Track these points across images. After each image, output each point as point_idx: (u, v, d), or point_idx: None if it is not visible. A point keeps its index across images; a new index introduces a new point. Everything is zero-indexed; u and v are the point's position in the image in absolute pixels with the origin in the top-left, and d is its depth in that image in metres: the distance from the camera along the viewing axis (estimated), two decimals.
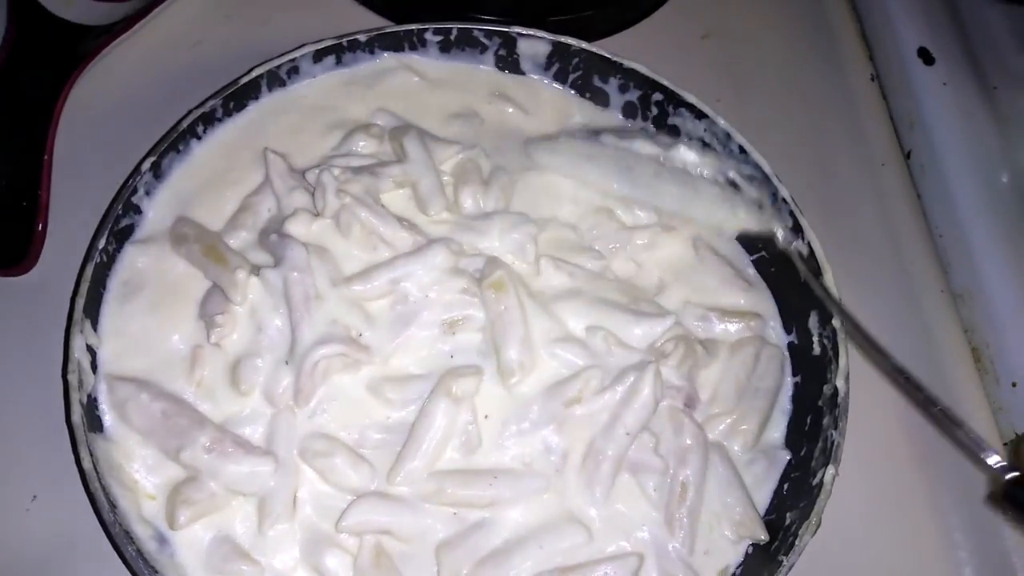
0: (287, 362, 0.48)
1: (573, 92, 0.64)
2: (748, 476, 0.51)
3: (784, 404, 0.54)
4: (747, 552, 0.50)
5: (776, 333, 0.57)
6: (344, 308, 0.50)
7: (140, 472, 0.47)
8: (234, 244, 0.53)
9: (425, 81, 0.62)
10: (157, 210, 0.54)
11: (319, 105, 0.60)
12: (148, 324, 0.51)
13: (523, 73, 0.64)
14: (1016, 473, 0.44)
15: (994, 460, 0.45)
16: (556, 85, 0.64)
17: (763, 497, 0.51)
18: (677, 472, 0.49)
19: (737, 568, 0.49)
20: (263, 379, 0.49)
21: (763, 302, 0.58)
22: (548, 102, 0.64)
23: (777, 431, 0.54)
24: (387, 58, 0.62)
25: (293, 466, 0.47)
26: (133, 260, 0.52)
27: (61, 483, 0.52)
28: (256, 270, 0.50)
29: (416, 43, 0.62)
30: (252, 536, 0.46)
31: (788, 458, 0.52)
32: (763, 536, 0.48)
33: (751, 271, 0.59)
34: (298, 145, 0.58)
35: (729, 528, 0.49)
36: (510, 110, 0.62)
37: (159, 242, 0.53)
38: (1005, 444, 0.61)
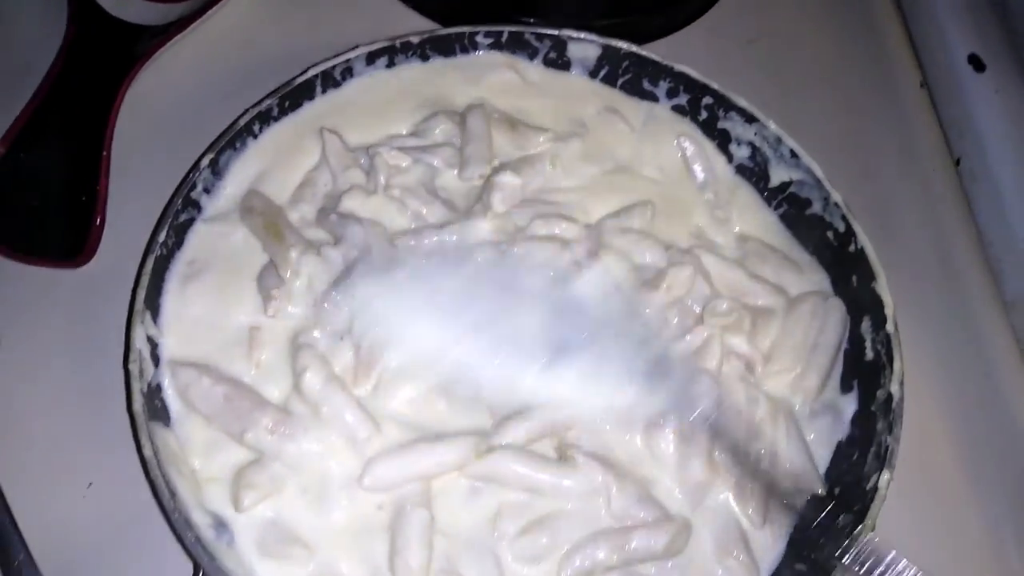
0: (342, 338, 0.49)
1: (623, 95, 0.64)
2: (811, 431, 0.52)
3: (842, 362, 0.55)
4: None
5: None
6: None
7: (201, 458, 0.48)
8: (295, 217, 0.54)
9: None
10: (230, 186, 0.56)
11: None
12: (209, 305, 0.52)
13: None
14: None
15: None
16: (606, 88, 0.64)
17: (826, 453, 0.52)
18: (749, 444, 0.49)
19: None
20: (320, 357, 0.49)
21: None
22: None
23: (834, 390, 0.54)
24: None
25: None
26: (201, 239, 0.54)
27: (116, 471, 0.53)
28: (314, 248, 0.52)
29: (468, 46, 0.62)
30: (307, 518, 0.46)
31: (855, 408, 0.53)
32: (821, 490, 0.50)
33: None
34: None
35: (788, 480, 0.50)
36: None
37: (226, 219, 0.55)
38: None
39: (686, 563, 0.48)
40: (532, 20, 0.68)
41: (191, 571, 0.46)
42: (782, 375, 0.53)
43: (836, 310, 0.55)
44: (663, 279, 0.54)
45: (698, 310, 0.54)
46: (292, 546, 0.45)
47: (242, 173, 0.56)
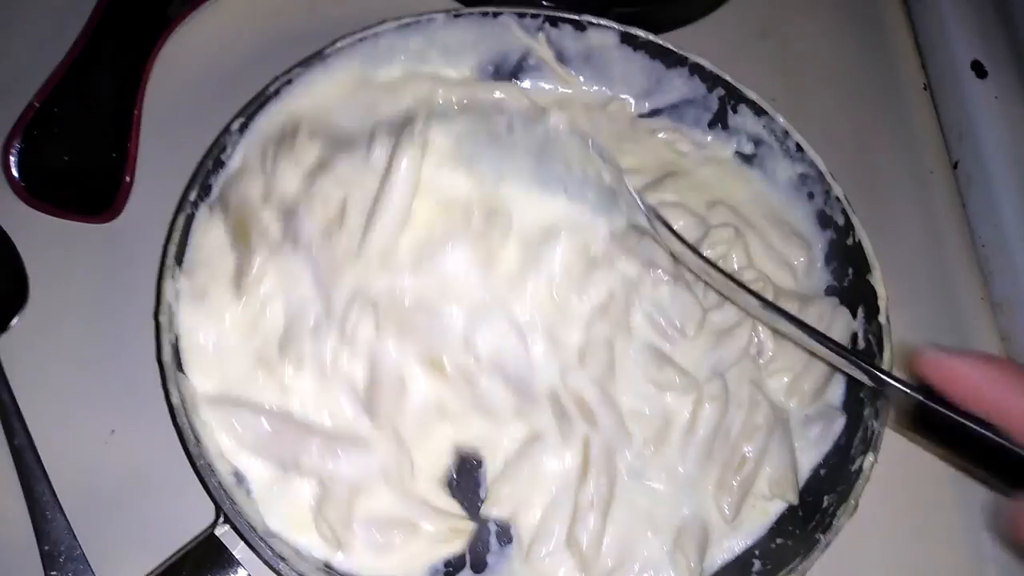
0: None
1: None
2: (802, 439, 0.54)
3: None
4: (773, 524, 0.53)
5: None
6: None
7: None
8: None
9: None
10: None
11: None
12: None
13: None
14: (921, 393, 0.41)
15: (896, 386, 0.43)
16: None
17: (810, 460, 0.54)
18: (740, 443, 0.51)
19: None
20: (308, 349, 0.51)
21: None
22: None
23: (837, 391, 0.56)
24: None
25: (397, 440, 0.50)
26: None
27: (138, 419, 0.55)
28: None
29: None
30: None
31: (844, 423, 0.55)
32: (794, 499, 0.51)
33: None
34: None
35: (766, 484, 0.52)
36: None
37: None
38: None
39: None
40: (551, 4, 0.70)
41: (211, 516, 0.49)
42: (781, 374, 0.55)
43: (842, 317, 0.57)
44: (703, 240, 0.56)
45: None
46: None
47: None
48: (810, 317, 0.56)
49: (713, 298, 0.56)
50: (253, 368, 0.51)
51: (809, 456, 0.54)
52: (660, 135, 0.65)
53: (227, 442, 0.49)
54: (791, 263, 0.60)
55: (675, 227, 0.53)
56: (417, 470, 0.50)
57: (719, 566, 0.51)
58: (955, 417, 0.40)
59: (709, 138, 0.65)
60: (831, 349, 0.46)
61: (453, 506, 0.51)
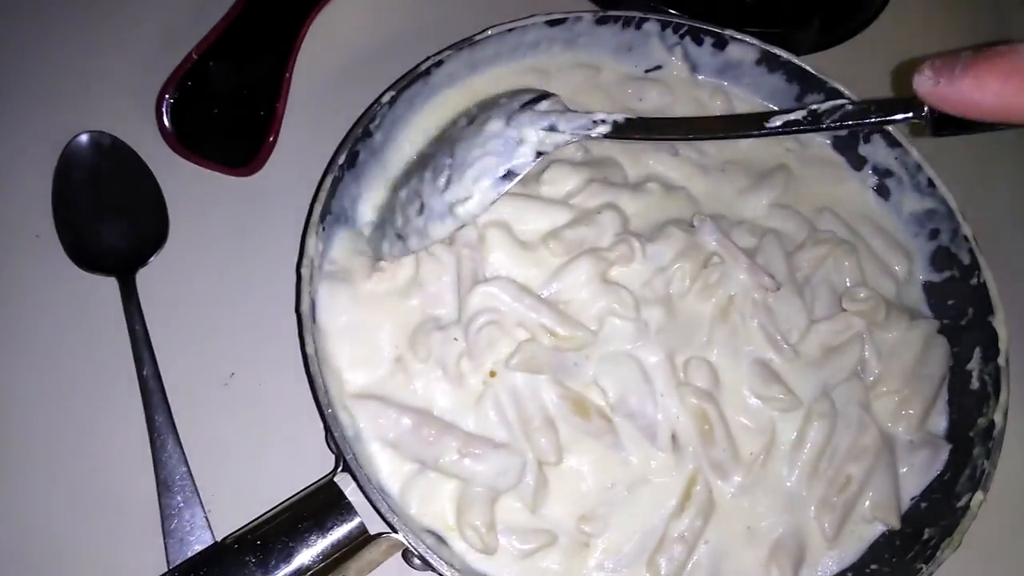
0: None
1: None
2: (906, 465, 0.54)
3: (944, 395, 0.57)
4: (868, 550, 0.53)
5: None
6: None
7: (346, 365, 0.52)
8: None
9: None
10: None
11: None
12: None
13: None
14: (927, 115, 0.43)
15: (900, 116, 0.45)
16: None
17: (912, 488, 0.54)
18: (846, 464, 0.52)
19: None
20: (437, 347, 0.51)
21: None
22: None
23: (942, 421, 0.57)
24: None
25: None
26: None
27: (256, 366, 0.58)
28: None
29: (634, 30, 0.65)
30: None
31: (949, 452, 0.55)
32: (896, 524, 0.52)
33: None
34: None
35: (868, 507, 0.52)
36: None
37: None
38: None
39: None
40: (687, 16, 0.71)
41: (320, 471, 0.51)
42: (889, 396, 0.55)
43: (942, 346, 0.57)
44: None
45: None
46: None
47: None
48: (913, 340, 0.57)
49: (821, 308, 0.56)
50: (389, 358, 0.52)
51: (912, 483, 0.54)
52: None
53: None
54: (892, 270, 0.60)
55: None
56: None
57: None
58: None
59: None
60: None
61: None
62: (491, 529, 0.48)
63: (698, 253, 0.54)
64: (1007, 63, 0.38)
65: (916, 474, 0.54)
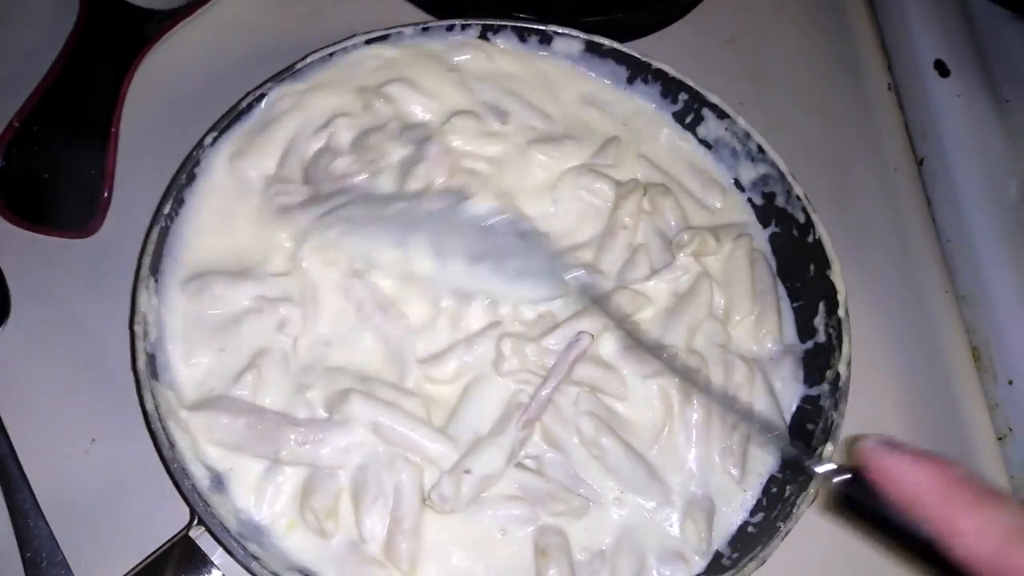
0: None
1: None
2: (778, 379, 0.57)
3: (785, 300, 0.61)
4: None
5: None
6: None
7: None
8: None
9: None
10: None
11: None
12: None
13: None
14: (847, 475, 0.39)
15: (823, 467, 0.41)
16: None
17: (792, 399, 0.57)
18: (729, 408, 0.54)
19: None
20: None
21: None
22: None
23: (788, 328, 0.60)
24: None
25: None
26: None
27: (117, 428, 0.56)
28: None
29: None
30: None
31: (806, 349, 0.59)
32: (787, 438, 0.54)
33: None
34: None
35: (760, 431, 0.54)
36: None
37: None
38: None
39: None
40: (521, 15, 0.71)
41: (187, 518, 0.50)
42: (743, 322, 0.58)
43: (762, 257, 0.61)
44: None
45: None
46: None
47: None
48: (740, 261, 0.60)
49: (658, 258, 0.60)
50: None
51: (787, 396, 0.57)
52: None
53: (210, 449, 0.51)
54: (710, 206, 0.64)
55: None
56: None
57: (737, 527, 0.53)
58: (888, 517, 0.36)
59: None
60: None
61: None
62: (330, 515, 0.48)
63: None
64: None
65: (788, 385, 0.57)
